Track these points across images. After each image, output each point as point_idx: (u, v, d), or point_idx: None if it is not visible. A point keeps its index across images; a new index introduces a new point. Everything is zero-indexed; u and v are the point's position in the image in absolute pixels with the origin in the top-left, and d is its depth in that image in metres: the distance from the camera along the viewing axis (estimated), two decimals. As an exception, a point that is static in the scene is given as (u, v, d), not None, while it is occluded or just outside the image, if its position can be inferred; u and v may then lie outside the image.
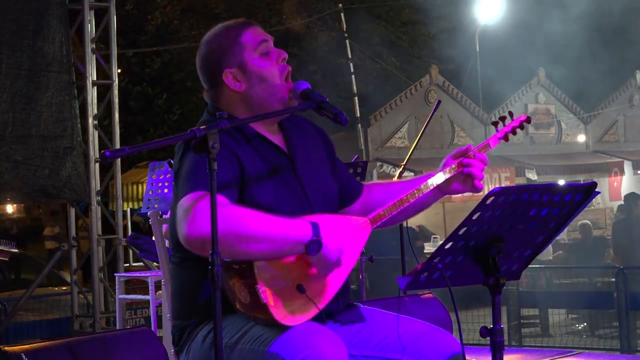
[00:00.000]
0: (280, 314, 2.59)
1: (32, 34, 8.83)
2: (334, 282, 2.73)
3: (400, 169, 5.68)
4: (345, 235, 2.69)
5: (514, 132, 3.16)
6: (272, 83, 2.83)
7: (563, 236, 14.58)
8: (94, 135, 9.38)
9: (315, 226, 2.62)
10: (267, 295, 2.57)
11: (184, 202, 2.60)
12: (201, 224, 2.50)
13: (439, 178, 2.94)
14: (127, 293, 8.62)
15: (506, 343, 4.22)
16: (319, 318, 2.67)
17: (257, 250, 2.56)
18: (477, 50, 23.22)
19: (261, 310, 2.58)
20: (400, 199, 2.86)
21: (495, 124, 3.13)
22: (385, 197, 2.96)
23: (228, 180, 2.67)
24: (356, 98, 20.05)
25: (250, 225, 2.56)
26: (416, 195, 2.89)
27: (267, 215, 2.60)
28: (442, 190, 2.99)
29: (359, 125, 20.31)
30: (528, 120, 3.20)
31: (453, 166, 2.96)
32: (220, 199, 2.58)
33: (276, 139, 2.89)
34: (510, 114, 3.18)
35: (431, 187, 2.92)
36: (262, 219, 2.59)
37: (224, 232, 2.50)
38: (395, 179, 5.38)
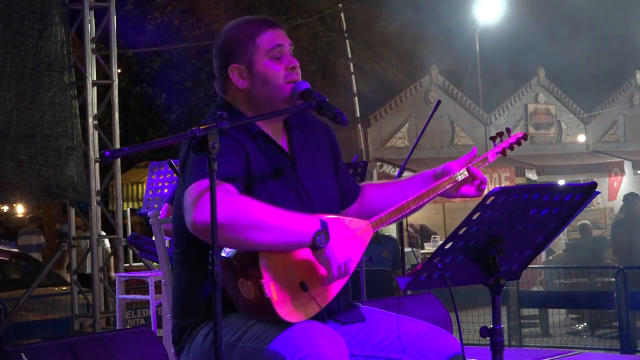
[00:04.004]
0: (283, 310, 2.59)
1: (37, 33, 8.83)
2: (337, 282, 2.74)
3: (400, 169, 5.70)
4: (349, 237, 2.70)
5: (511, 148, 3.22)
6: (275, 85, 2.84)
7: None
8: (94, 135, 9.36)
9: (323, 220, 2.63)
10: (271, 290, 2.57)
11: (192, 190, 2.60)
12: (209, 210, 2.50)
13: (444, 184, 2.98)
14: (127, 293, 8.63)
15: (506, 343, 4.23)
16: (320, 317, 2.68)
17: (263, 240, 2.56)
18: (477, 50, 23.21)
19: (264, 306, 2.58)
20: (401, 205, 2.88)
21: (493, 139, 3.18)
22: (380, 199, 3.00)
23: (236, 171, 2.68)
24: (356, 98, 20.04)
25: (258, 214, 2.56)
26: (418, 202, 2.92)
27: (275, 207, 2.61)
28: (449, 194, 3.01)
29: (359, 125, 20.31)
30: (525, 137, 3.26)
31: (462, 171, 3.00)
32: (229, 187, 2.60)
33: (279, 139, 2.89)
34: (508, 130, 3.23)
35: (434, 194, 2.96)
36: (270, 209, 2.60)
37: (232, 219, 2.51)
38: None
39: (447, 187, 2.98)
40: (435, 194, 2.97)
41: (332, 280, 2.67)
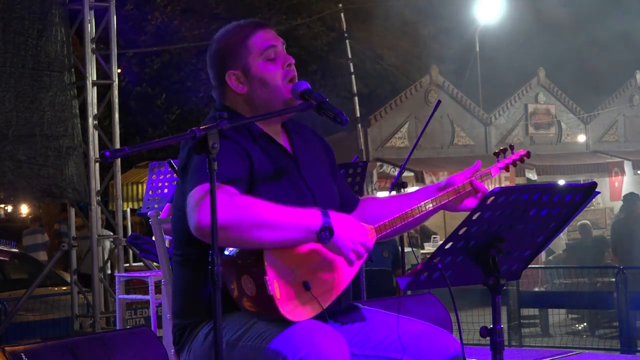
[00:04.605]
0: (285, 307, 2.59)
1: (37, 33, 8.82)
2: (340, 283, 2.74)
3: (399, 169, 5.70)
4: (356, 233, 2.70)
5: (514, 164, 3.24)
6: (274, 86, 2.84)
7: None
8: (94, 135, 9.36)
9: (325, 212, 2.63)
10: (274, 287, 2.57)
11: (195, 193, 2.61)
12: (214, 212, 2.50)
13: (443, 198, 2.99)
14: (127, 293, 8.62)
15: (506, 343, 4.23)
16: (322, 317, 2.68)
17: (268, 238, 2.56)
18: (477, 50, 23.21)
19: (267, 303, 2.58)
20: (405, 212, 2.88)
21: (496, 154, 3.20)
22: (382, 211, 2.99)
23: (238, 173, 2.69)
24: (356, 98, 20.04)
25: (262, 213, 2.57)
26: (423, 209, 2.93)
27: (278, 205, 2.61)
28: (452, 207, 3.01)
29: (359, 125, 20.30)
30: (528, 155, 3.28)
31: (465, 184, 3.00)
32: (230, 189, 2.60)
33: (281, 140, 2.90)
34: (511, 147, 3.25)
35: (438, 204, 2.96)
36: (273, 207, 2.60)
37: (236, 220, 2.52)
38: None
39: (451, 198, 2.99)
40: (439, 204, 2.97)
41: (352, 263, 2.67)
